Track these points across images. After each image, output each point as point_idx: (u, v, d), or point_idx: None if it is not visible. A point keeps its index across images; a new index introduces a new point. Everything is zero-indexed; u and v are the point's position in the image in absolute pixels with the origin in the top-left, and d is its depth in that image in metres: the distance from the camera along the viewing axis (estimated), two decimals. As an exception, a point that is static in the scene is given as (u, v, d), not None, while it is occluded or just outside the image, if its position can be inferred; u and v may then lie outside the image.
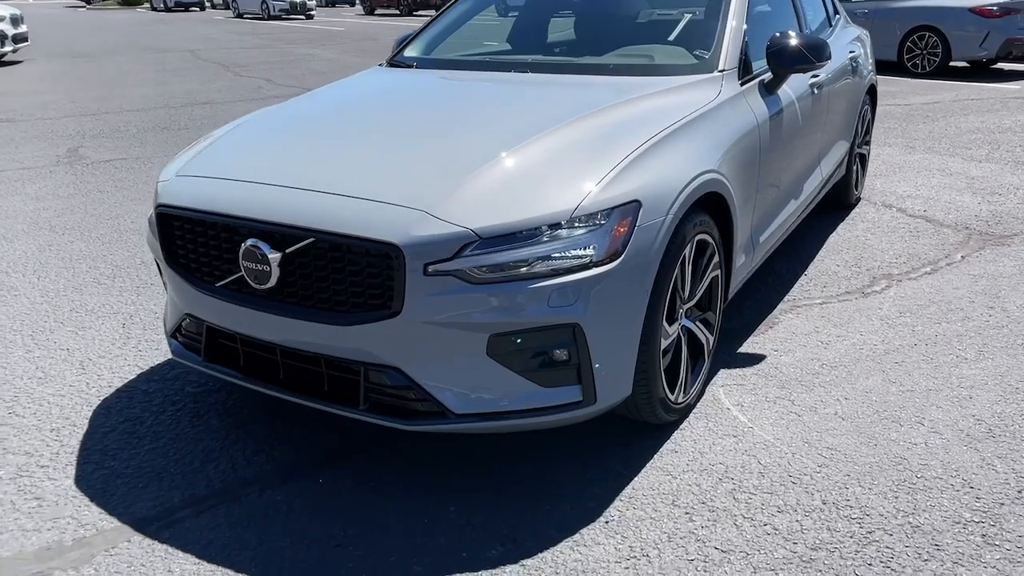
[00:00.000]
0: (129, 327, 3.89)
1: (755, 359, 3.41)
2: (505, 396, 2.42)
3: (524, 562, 2.28)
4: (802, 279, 4.32)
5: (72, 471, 2.78)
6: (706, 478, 2.62)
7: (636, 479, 2.63)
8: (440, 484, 2.64)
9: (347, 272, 2.39)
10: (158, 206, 2.76)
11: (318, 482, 2.67)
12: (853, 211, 5.53)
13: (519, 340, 2.36)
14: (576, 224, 2.36)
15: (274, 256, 2.46)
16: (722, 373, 3.29)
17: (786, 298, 4.07)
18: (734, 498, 2.52)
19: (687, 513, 2.45)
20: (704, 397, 3.11)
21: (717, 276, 3.06)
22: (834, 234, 5.05)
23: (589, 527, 2.41)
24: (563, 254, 2.33)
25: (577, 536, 2.37)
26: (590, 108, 2.93)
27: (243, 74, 13.93)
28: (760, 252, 3.57)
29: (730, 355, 3.46)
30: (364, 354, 2.44)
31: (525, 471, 2.68)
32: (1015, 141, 7.54)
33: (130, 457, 2.85)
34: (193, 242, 2.71)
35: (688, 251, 2.75)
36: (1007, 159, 6.82)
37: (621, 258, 2.40)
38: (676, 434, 2.87)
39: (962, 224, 5.15)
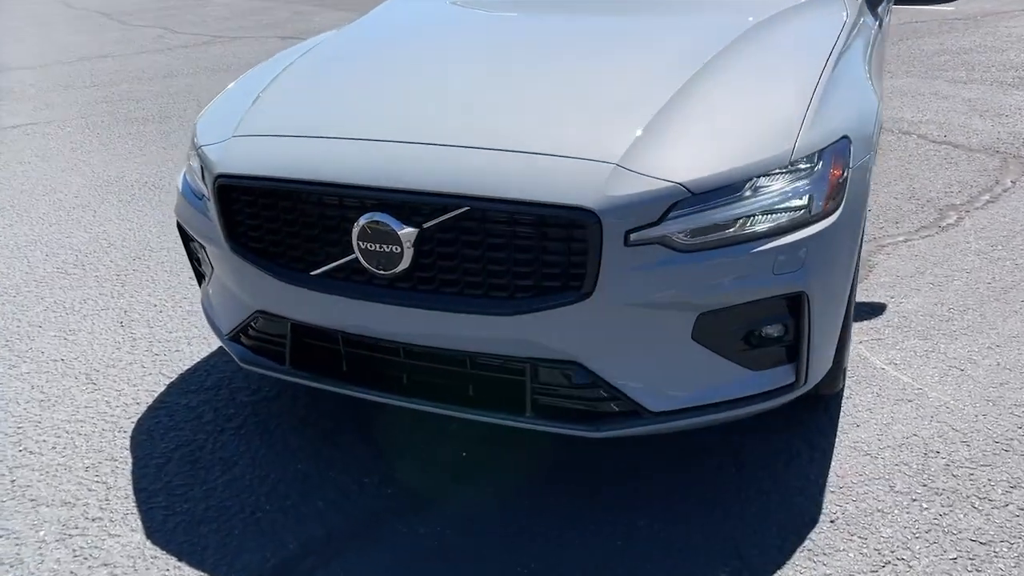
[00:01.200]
0: (129, 326, 3.21)
1: (876, 309, 3.10)
2: (710, 385, 1.99)
3: (765, 584, 1.89)
4: (870, 216, 4.03)
5: (137, 522, 2.18)
6: (909, 454, 2.29)
7: (834, 463, 2.27)
8: (619, 499, 2.20)
9: (513, 248, 1.88)
10: (219, 176, 2.14)
11: (462, 507, 2.18)
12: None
13: (732, 318, 1.92)
14: (795, 170, 1.92)
15: (407, 233, 1.91)
16: (853, 327, 2.96)
17: (867, 237, 3.76)
18: (953, 475, 2.20)
19: (914, 500, 2.12)
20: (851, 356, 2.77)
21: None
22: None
23: (816, 531, 2.03)
24: (783, 206, 1.89)
25: (808, 544, 2.00)
26: (725, 34, 2.46)
27: (132, 23, 12.52)
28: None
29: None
30: (533, 348, 1.95)
31: (703, 473, 2.28)
32: (986, 62, 7.51)
33: (205, 495, 2.27)
34: (276, 220, 2.11)
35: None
36: (989, 80, 6.75)
37: (840, 208, 1.98)
38: (846, 404, 2.52)
39: (991, 148, 4.99)
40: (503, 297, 1.92)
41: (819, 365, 2.10)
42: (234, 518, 2.18)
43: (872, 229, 3.85)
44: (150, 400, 2.72)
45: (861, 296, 3.19)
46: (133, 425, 2.60)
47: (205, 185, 2.24)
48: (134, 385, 2.81)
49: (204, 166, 2.24)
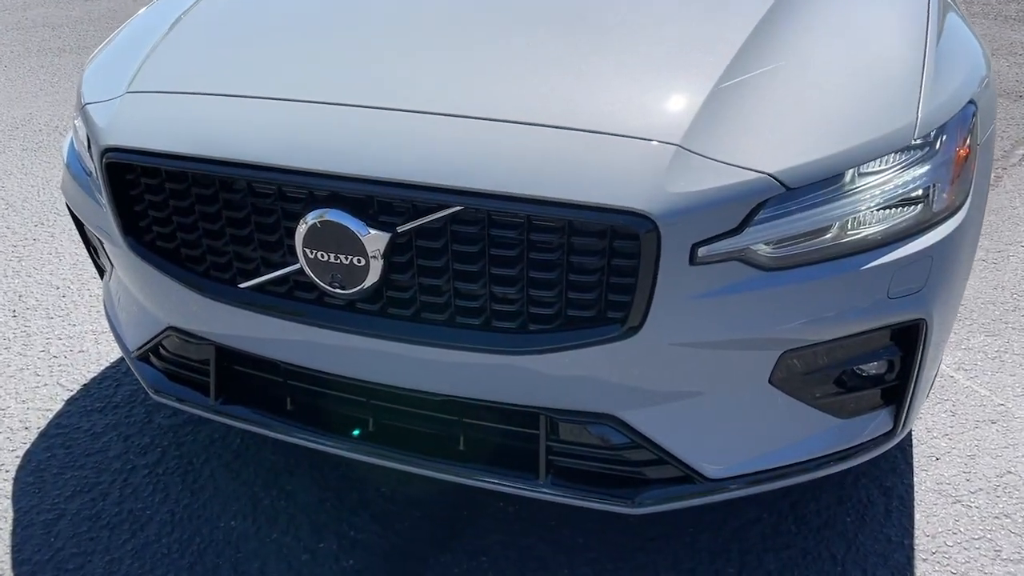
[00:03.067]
0: (24, 316, 2.59)
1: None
2: (787, 441, 1.48)
3: None
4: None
5: (11, 616, 1.63)
6: (1009, 501, 1.82)
7: (918, 517, 1.80)
8: (636, 572, 1.70)
9: (527, 265, 1.31)
10: (108, 150, 1.52)
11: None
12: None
13: (825, 355, 1.40)
14: (915, 151, 1.38)
15: (374, 238, 1.33)
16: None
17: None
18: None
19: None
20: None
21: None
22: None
23: (912, 619, 1.57)
24: (899, 202, 1.36)
25: (906, 641, 1.54)
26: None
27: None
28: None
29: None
30: (551, 396, 1.41)
31: (748, 532, 1.79)
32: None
33: (107, 570, 1.72)
34: (188, 212, 1.51)
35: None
36: (992, 14, 6.22)
37: (968, 200, 1.45)
38: (917, 427, 2.04)
39: (1013, 92, 4.49)
40: (511, 330, 1.36)
41: (919, 406, 1.60)
42: (147, 609, 1.65)
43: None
44: (43, 423, 2.13)
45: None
46: (18, 461, 2.01)
47: (92, 159, 1.62)
48: (23, 401, 2.21)
49: (90, 133, 1.61)
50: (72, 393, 2.24)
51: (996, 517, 1.79)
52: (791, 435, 1.47)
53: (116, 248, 1.65)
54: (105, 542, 1.78)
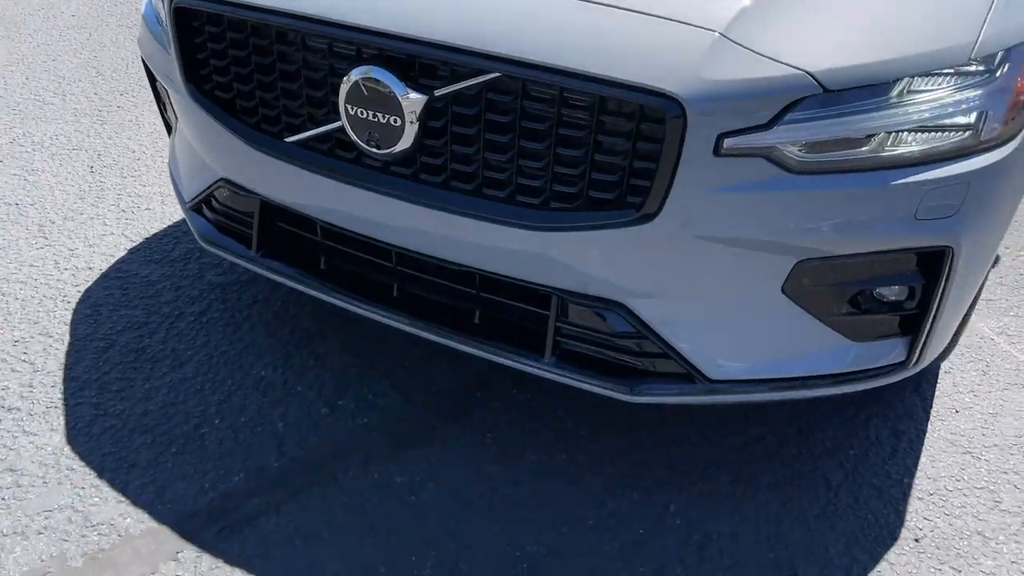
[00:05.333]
0: (100, 172, 2.74)
1: (987, 259, 2.53)
2: (793, 353, 1.49)
3: (826, 618, 1.46)
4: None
5: (59, 419, 1.79)
6: (1021, 460, 1.80)
7: (924, 459, 1.79)
8: (645, 472, 1.75)
9: (556, 140, 1.35)
10: (178, -4, 1.60)
11: (455, 446, 1.75)
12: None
13: (842, 271, 1.40)
14: (968, 72, 1.34)
15: (413, 100, 1.38)
16: (953, 279, 2.41)
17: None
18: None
19: (1027, 525, 1.65)
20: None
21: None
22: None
23: (895, 551, 1.58)
24: (945, 123, 1.33)
25: (885, 568, 1.55)
26: None
27: None
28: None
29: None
30: (565, 277, 1.45)
31: (754, 450, 1.81)
32: None
33: (145, 395, 1.86)
34: (245, 63, 1.59)
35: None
36: None
37: (1021, 135, 1.41)
38: (943, 381, 2.01)
39: None
40: (534, 205, 1.40)
41: (938, 342, 1.58)
42: (175, 430, 1.78)
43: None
44: (105, 266, 2.29)
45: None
46: (79, 295, 2.17)
47: (164, 6, 1.70)
48: (91, 245, 2.37)
49: (162, -21, 1.69)
50: (135, 244, 2.39)
51: (1004, 472, 1.77)
52: (798, 348, 1.48)
53: (179, 96, 1.74)
54: (147, 372, 1.93)
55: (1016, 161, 1.41)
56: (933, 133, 1.33)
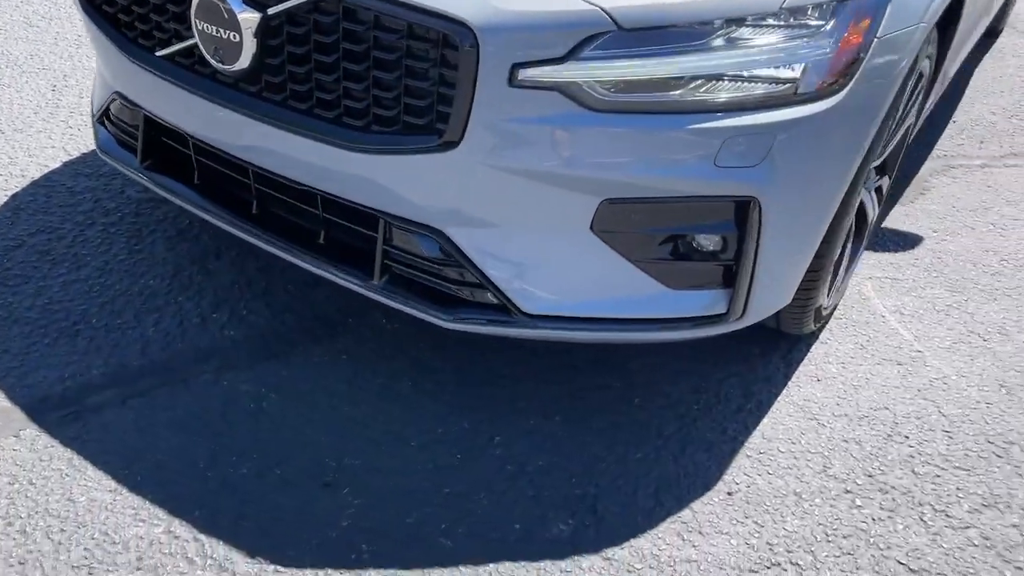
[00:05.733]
0: (61, 91, 2.86)
1: (910, 241, 2.49)
2: (609, 295, 1.52)
3: (609, 553, 1.50)
4: (951, 128, 3.28)
5: (-51, 306, 1.92)
6: (869, 431, 1.80)
7: (766, 421, 1.80)
8: (471, 401, 1.80)
9: (373, 63, 1.39)
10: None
11: (309, 364, 1.83)
12: (998, 40, 4.35)
13: (648, 214, 1.42)
14: (783, 21, 1.34)
15: (248, 17, 1.43)
16: (868, 256, 2.39)
17: (935, 152, 3.06)
18: (914, 472, 1.72)
19: (848, 492, 1.66)
20: (847, 292, 2.23)
21: (912, 124, 2.06)
22: (980, 69, 3.93)
23: (702, 501, 1.61)
24: (753, 72, 1.34)
25: (686, 515, 1.58)
26: None
27: None
28: (942, 90, 2.54)
29: (874, 229, 2.53)
30: (389, 200, 1.50)
31: (588, 392, 1.84)
32: None
33: (36, 291, 1.98)
34: (121, -24, 1.66)
35: (911, 82, 1.74)
36: None
37: (846, 89, 1.41)
38: (816, 350, 2.01)
39: None
40: (358, 127, 1.45)
41: (768, 299, 1.60)
42: (53, 325, 1.89)
43: (947, 144, 3.13)
44: (37, 175, 2.40)
45: (898, 222, 2.57)
46: (5, 198, 2.29)
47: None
48: (31, 155, 2.49)
49: None
50: (71, 158, 2.50)
51: (845, 441, 1.77)
52: (613, 289, 1.51)
53: (82, 12, 1.82)
54: (45, 272, 2.04)
55: (837, 117, 1.41)
56: (746, 82, 1.34)
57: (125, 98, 1.83)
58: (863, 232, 2.12)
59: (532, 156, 1.36)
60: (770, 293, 1.59)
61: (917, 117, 2.11)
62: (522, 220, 1.45)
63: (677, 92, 1.32)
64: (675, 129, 1.32)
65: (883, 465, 1.72)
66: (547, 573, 1.45)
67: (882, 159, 1.96)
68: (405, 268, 1.57)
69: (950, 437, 1.80)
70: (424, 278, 1.57)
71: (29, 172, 2.41)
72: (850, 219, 1.69)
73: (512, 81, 1.30)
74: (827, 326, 2.09)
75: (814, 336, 2.05)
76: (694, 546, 1.52)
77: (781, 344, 2.00)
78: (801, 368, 1.95)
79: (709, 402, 1.83)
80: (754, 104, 1.34)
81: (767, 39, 1.33)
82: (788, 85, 1.35)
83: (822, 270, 1.70)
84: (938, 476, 1.71)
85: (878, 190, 2.10)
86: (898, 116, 1.77)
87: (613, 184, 1.37)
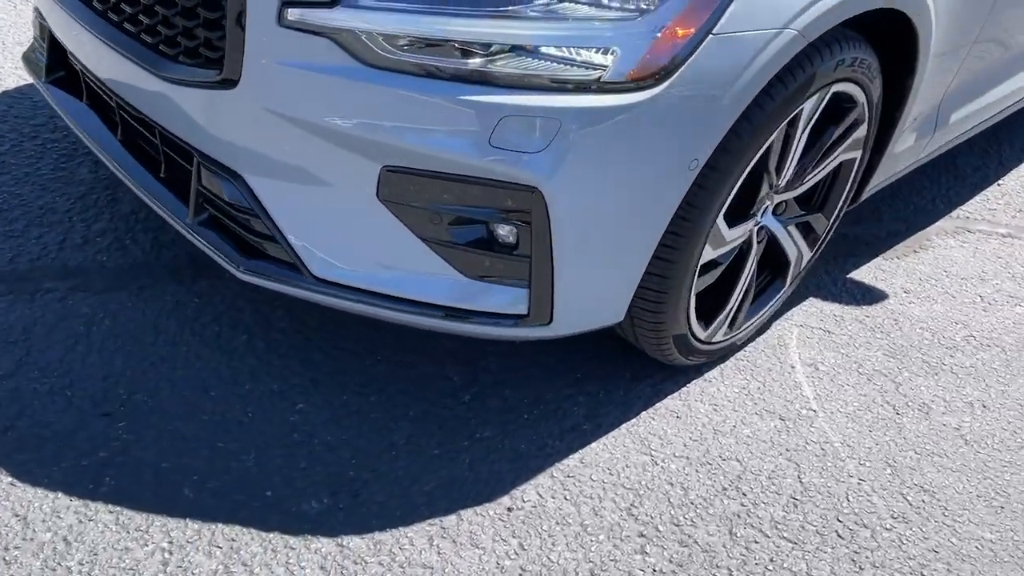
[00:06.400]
0: (20, 10, 2.96)
1: (870, 296, 2.24)
2: (402, 272, 1.43)
3: (345, 540, 1.41)
4: (992, 189, 2.93)
5: None
6: (703, 479, 1.62)
7: (595, 446, 1.65)
8: (297, 366, 1.74)
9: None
10: None
11: (158, 301, 1.82)
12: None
13: (432, 189, 1.32)
14: (608, 5, 1.21)
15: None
16: (810, 303, 2.16)
17: (958, 212, 2.74)
18: (730, 533, 1.52)
19: (643, 536, 1.49)
20: (768, 333, 2.02)
21: (854, 161, 1.84)
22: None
23: (476, 510, 1.48)
24: (566, 56, 1.22)
25: (451, 521, 1.46)
26: None
27: None
28: (947, 136, 2.26)
29: (834, 276, 2.29)
30: (200, 138, 1.47)
31: (435, 386, 1.74)
32: None
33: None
34: None
35: (811, 105, 1.55)
36: None
37: (664, 86, 1.26)
38: (693, 386, 1.83)
39: None
40: (168, 55, 1.43)
41: (584, 310, 1.46)
42: (-55, 224, 1.98)
43: (975, 206, 2.80)
44: (11, 86, 2.53)
45: (869, 274, 2.31)
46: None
47: None
48: (16, 66, 2.62)
49: None
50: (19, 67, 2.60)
51: (670, 484, 1.59)
52: (407, 267, 1.42)
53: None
54: (-26, 172, 2.14)
55: (657, 119, 1.27)
56: (539, 60, 1.22)
57: (40, 14, 1.88)
58: (784, 271, 1.91)
59: (309, 107, 1.29)
60: (585, 304, 1.45)
61: (867, 153, 1.88)
62: (312, 177, 1.38)
63: (459, 58, 1.21)
64: (449, 98, 1.22)
65: (698, 517, 1.54)
66: (270, 545, 1.38)
67: (798, 190, 1.76)
68: (215, 211, 1.54)
69: (794, 506, 1.59)
70: (230, 224, 1.52)
71: (6, 82, 2.54)
72: (702, 248, 1.51)
73: (281, 20, 1.23)
74: (723, 364, 1.90)
75: (699, 371, 1.86)
76: (440, 553, 1.40)
77: (658, 373, 1.83)
78: (666, 401, 1.78)
79: (544, 415, 1.70)
80: (541, 85, 1.22)
81: (578, 17, 1.21)
82: (592, 71, 1.22)
83: (670, 294, 1.53)
84: (755, 543, 1.51)
85: (804, 227, 1.89)
86: (790, 142, 1.58)
87: (390, 150, 1.28)
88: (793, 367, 1.94)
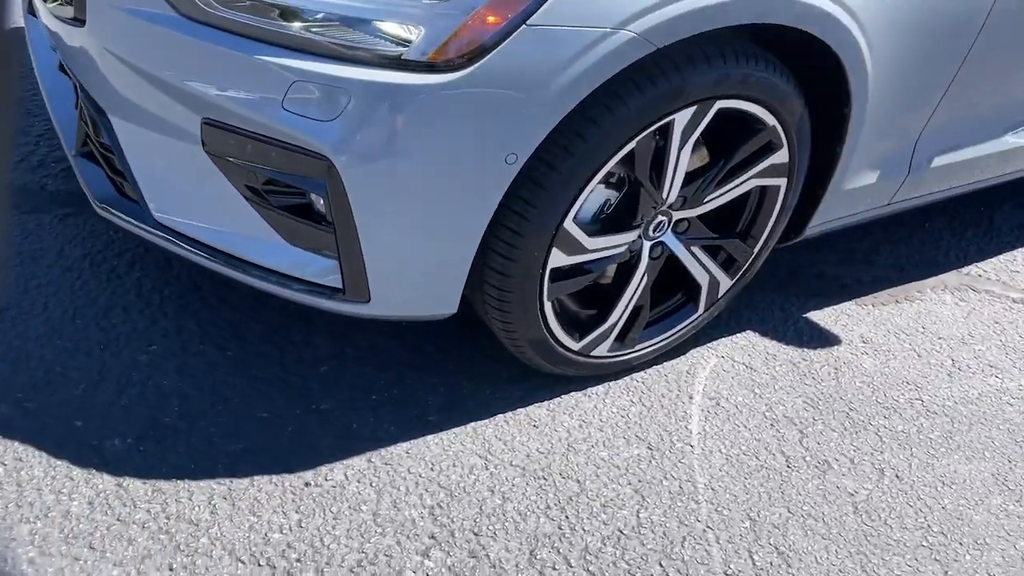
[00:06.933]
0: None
1: (818, 339, 2.05)
2: (231, 228, 1.43)
3: (126, 482, 1.42)
4: (1015, 254, 2.62)
5: None
6: (530, 493, 1.53)
7: (432, 438, 1.60)
8: (173, 310, 1.77)
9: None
10: None
11: (50, 227, 1.90)
12: None
13: (244, 146, 1.31)
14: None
15: None
16: (745, 336, 2.00)
17: (970, 268, 2.47)
18: (531, 556, 1.43)
19: (432, 537, 1.42)
20: (680, 358, 1.89)
21: (778, 189, 1.69)
22: None
23: (270, 479, 1.46)
24: (360, 22, 1.18)
25: (240, 485, 1.45)
26: None
27: None
28: (929, 185, 2.03)
29: (788, 312, 2.11)
30: (74, 69, 1.52)
31: (297, 352, 1.74)
32: None
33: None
34: None
35: (687, 118, 1.42)
36: None
37: (469, 70, 1.19)
38: (568, 398, 1.74)
39: None
40: (55, -9, 1.48)
41: (402, 293, 1.41)
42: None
43: (999, 265, 2.50)
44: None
45: (828, 317, 2.12)
46: None
47: None
48: None
49: None
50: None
51: (480, 497, 1.52)
52: (233, 224, 1.41)
53: None
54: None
55: (443, 96, 1.20)
56: (349, 31, 1.18)
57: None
58: (696, 296, 1.78)
59: (140, 53, 1.31)
60: (406, 288, 1.40)
61: (794, 183, 1.71)
62: (156, 122, 1.39)
63: (268, 18, 1.19)
64: (248, 57, 1.20)
65: (503, 531, 1.45)
66: (53, 472, 1.40)
67: (697, 209, 1.62)
68: (92, 145, 1.59)
69: (618, 539, 1.48)
70: (99, 159, 1.57)
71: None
72: (545, 245, 1.41)
73: (110, -39, 1.25)
74: (615, 381, 1.80)
75: (583, 384, 1.77)
76: (213, 513, 1.39)
77: (536, 379, 1.75)
78: (531, 408, 1.70)
79: (394, 399, 1.66)
80: (340, 55, 1.18)
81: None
82: (394, 47, 1.18)
83: (515, 293, 1.46)
84: (554, 569, 1.41)
85: (717, 251, 1.75)
86: (675, 155, 1.46)
87: (205, 103, 1.28)
88: (691, 397, 1.80)
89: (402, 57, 1.17)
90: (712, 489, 1.61)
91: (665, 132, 1.43)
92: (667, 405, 1.77)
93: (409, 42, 1.17)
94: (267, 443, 1.53)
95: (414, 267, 1.38)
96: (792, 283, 2.22)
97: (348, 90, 1.17)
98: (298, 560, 1.35)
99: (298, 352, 1.72)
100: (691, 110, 1.41)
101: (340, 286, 1.39)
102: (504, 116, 1.23)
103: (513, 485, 1.54)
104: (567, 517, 1.50)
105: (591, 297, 1.69)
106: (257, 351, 1.70)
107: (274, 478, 1.47)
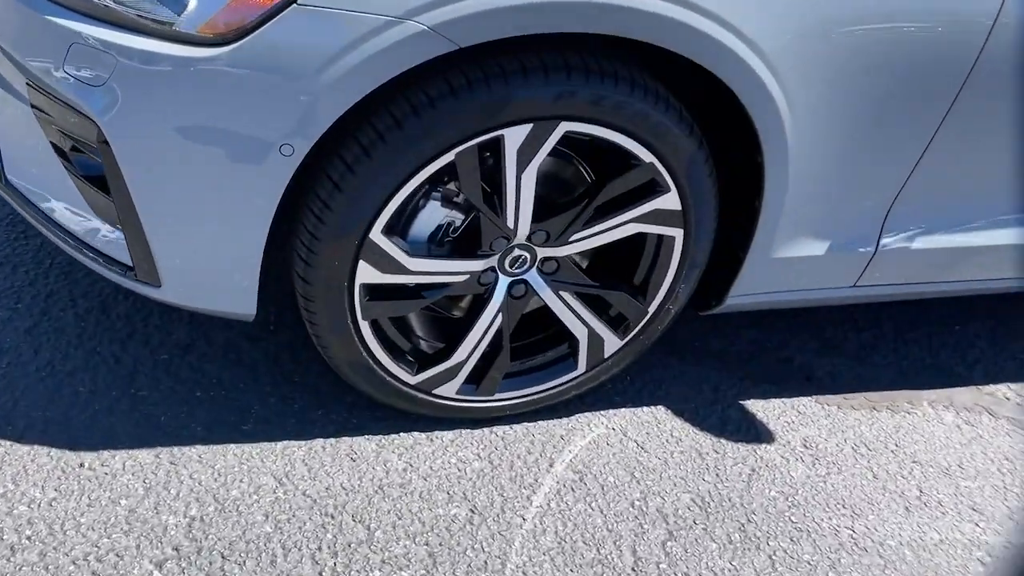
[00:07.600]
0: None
1: (745, 432, 1.75)
2: (48, 188, 1.41)
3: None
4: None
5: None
6: (307, 533, 1.38)
7: (233, 447, 1.49)
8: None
9: None
10: None
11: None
12: None
13: (50, 107, 1.28)
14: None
15: None
16: (653, 410, 1.75)
17: (996, 388, 2.05)
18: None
19: (175, 550, 1.31)
20: (565, 419, 1.68)
21: (673, 241, 1.46)
22: None
23: (53, 454, 1.41)
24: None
25: (17, 455, 1.40)
26: None
27: None
28: (905, 269, 1.70)
29: (721, 393, 1.83)
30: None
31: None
32: None
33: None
34: None
35: (520, 137, 1.26)
36: None
37: (232, 47, 1.12)
38: (411, 438, 1.57)
39: None
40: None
41: (199, 285, 1.35)
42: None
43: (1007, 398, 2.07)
44: None
45: (774, 411, 1.81)
46: None
47: None
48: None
49: None
50: None
51: (222, 517, 1.38)
52: (48, 183, 1.39)
53: None
54: None
55: (223, 78, 1.12)
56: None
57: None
58: (576, 351, 1.58)
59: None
60: (197, 278, 1.32)
61: (692, 236, 1.47)
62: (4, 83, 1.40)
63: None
64: (38, 16, 1.18)
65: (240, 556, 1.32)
66: None
67: (564, 249, 1.43)
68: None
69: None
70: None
71: None
72: (348, 255, 1.28)
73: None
74: (472, 432, 1.62)
75: (434, 427, 1.60)
76: (87, 482, 1.36)
77: (382, 410, 1.60)
78: (360, 440, 1.56)
79: (213, 399, 1.57)
80: (120, 21, 1.14)
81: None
82: (169, 17, 1.12)
83: (317, 303, 1.34)
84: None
85: (593, 300, 1.53)
86: (512, 179, 1.29)
87: (18, 63, 1.27)
88: (551, 466, 1.59)
89: (173, 27, 1.11)
90: (523, 573, 1.39)
91: (496, 150, 1.27)
92: (518, 468, 1.56)
93: (182, 12, 1.11)
94: (69, 417, 1.49)
95: (201, 256, 1.29)
96: (745, 362, 1.93)
97: (116, 56, 1.13)
98: (29, 538, 1.29)
99: (149, 335, 1.67)
100: (525, 128, 1.24)
101: (130, 263, 1.33)
102: (270, 101, 1.13)
103: (293, 516, 1.40)
104: (334, 565, 1.34)
105: (443, 329, 1.54)
106: (111, 326, 1.68)
107: (54, 452, 1.42)
